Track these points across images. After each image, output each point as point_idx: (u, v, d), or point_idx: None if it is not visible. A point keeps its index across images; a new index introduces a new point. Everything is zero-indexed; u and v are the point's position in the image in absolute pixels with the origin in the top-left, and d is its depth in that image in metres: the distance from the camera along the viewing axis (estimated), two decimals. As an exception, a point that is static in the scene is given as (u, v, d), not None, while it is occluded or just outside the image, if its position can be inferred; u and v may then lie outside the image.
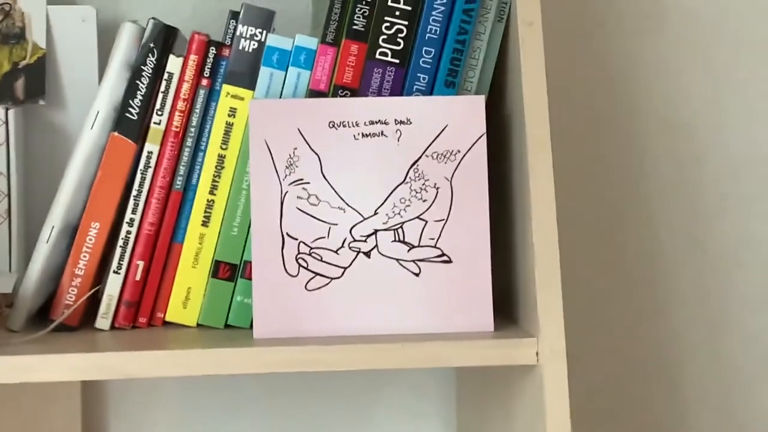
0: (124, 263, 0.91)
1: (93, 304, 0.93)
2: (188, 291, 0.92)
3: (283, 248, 0.88)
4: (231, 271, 0.92)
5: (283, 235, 0.88)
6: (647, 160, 1.20)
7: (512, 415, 0.94)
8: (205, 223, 0.92)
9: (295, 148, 0.89)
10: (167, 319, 0.93)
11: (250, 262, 0.91)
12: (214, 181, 0.92)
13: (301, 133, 0.89)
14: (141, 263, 0.92)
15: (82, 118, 1.08)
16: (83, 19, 1.09)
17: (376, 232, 0.89)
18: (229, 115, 0.92)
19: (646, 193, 1.20)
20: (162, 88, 0.91)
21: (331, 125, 0.89)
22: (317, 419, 1.19)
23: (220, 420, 1.18)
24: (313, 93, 0.92)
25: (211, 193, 0.92)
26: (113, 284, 0.91)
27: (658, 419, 1.21)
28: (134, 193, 0.91)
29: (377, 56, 0.91)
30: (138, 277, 0.92)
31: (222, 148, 0.92)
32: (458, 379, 1.19)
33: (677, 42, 1.20)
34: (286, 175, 0.89)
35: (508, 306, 0.94)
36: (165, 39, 0.91)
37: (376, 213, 0.89)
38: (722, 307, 1.21)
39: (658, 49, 1.20)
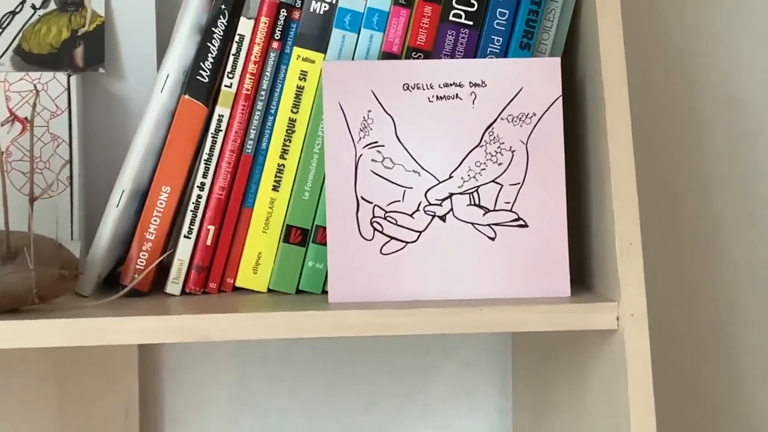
0: (195, 228, 0.90)
1: (162, 269, 0.91)
2: (259, 256, 0.91)
3: (357, 212, 0.86)
4: (302, 235, 0.90)
5: (357, 199, 0.86)
6: (704, 135, 1.19)
7: (585, 384, 0.92)
8: (275, 188, 0.90)
9: (369, 111, 0.87)
10: (237, 284, 0.91)
11: (322, 227, 0.90)
12: (284, 145, 0.90)
13: (375, 96, 0.87)
14: (212, 228, 0.90)
15: (140, 87, 1.08)
16: (141, -13, 1.08)
17: (451, 195, 0.87)
18: (300, 79, 0.90)
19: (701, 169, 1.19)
20: (233, 51, 0.89)
21: (405, 87, 0.87)
22: (371, 389, 1.19)
23: (273, 390, 1.18)
24: (386, 55, 0.90)
25: (282, 157, 0.90)
26: (184, 249, 0.89)
27: (713, 391, 1.20)
28: (205, 156, 0.90)
29: (451, 18, 0.89)
30: (209, 242, 0.90)
31: (293, 112, 0.90)
32: (514, 353, 1.17)
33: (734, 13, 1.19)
34: (360, 138, 0.87)
35: (581, 273, 0.92)
36: (236, 1, 0.89)
37: (451, 176, 0.87)
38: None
39: (714, 20, 1.18)
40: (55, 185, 1.00)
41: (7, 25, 1.05)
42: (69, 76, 1.00)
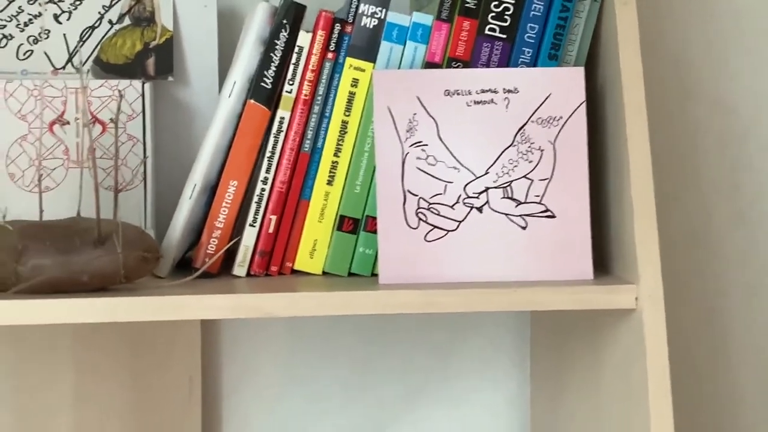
0: (259, 217, 0.94)
1: (229, 254, 0.96)
2: (315, 243, 0.95)
3: (404, 204, 0.91)
4: (354, 224, 0.95)
5: (404, 192, 0.91)
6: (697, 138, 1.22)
7: (601, 361, 0.96)
8: (330, 182, 0.95)
9: (415, 114, 0.91)
10: (296, 267, 0.95)
11: (371, 217, 0.94)
12: (338, 144, 0.95)
13: (419, 100, 0.91)
14: (273, 217, 0.94)
15: (203, 93, 1.13)
16: (205, 5, 1.12)
17: (487, 189, 0.91)
18: (351, 86, 0.94)
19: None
20: (293, 60, 0.94)
21: (446, 93, 0.91)
22: (401, 363, 1.21)
23: (317, 362, 1.21)
24: (429, 65, 0.94)
25: (335, 155, 0.95)
26: (249, 236, 0.94)
27: (704, 375, 1.23)
28: (267, 154, 0.94)
29: (486, 32, 0.94)
30: (271, 230, 0.94)
31: (345, 115, 0.95)
32: (533, 331, 1.21)
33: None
34: (406, 138, 0.91)
35: (602, 259, 0.96)
36: (295, 16, 0.94)
37: (487, 172, 0.91)
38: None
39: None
40: (132, 180, 1.05)
41: (87, 38, 1.09)
42: (143, 83, 1.05)
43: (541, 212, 0.91)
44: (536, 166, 0.91)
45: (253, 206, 0.94)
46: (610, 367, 0.95)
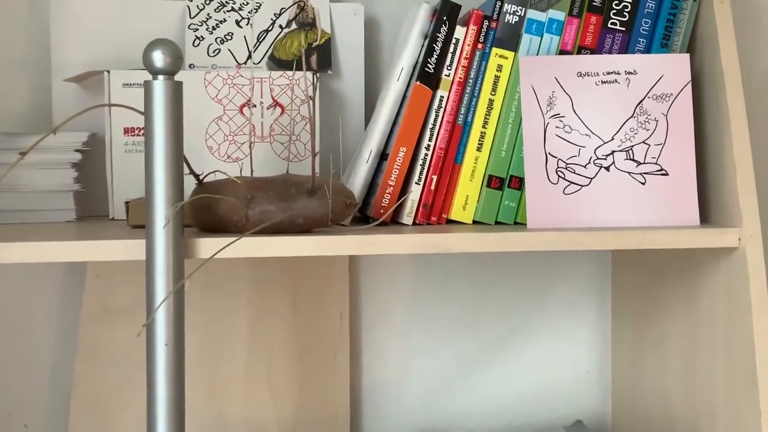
0: (423, 177, 0.90)
1: (397, 207, 0.91)
2: (466, 198, 0.90)
3: (546, 164, 0.86)
4: (500, 182, 0.90)
5: (546, 155, 0.87)
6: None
7: (700, 293, 0.91)
8: (479, 148, 0.90)
9: (553, 91, 0.87)
10: (451, 218, 0.91)
11: (515, 176, 0.90)
12: (485, 117, 0.90)
13: (557, 81, 0.87)
14: (434, 177, 0.90)
15: (351, 84, 1.08)
16: (354, 12, 1.08)
17: (613, 152, 0.87)
18: (497, 71, 0.90)
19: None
20: (450, 50, 0.89)
21: (578, 75, 0.87)
22: (505, 304, 1.17)
23: (437, 302, 1.16)
24: (562, 52, 0.90)
25: (483, 126, 0.90)
26: (415, 192, 0.89)
27: None
28: (430, 126, 0.89)
29: (609, 25, 0.89)
30: (432, 187, 0.90)
31: (491, 95, 0.90)
32: (614, 277, 1.15)
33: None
34: (547, 111, 0.87)
35: (704, 209, 0.91)
36: (453, 13, 0.89)
37: (612, 138, 0.87)
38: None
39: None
40: (304, 152, 1.00)
41: (263, 39, 1.05)
42: (314, 74, 1.00)
43: (657, 171, 0.87)
44: (652, 133, 0.87)
45: (418, 168, 0.89)
46: (708, 296, 0.90)
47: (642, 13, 0.89)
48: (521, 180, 0.89)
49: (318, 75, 1.00)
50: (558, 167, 0.86)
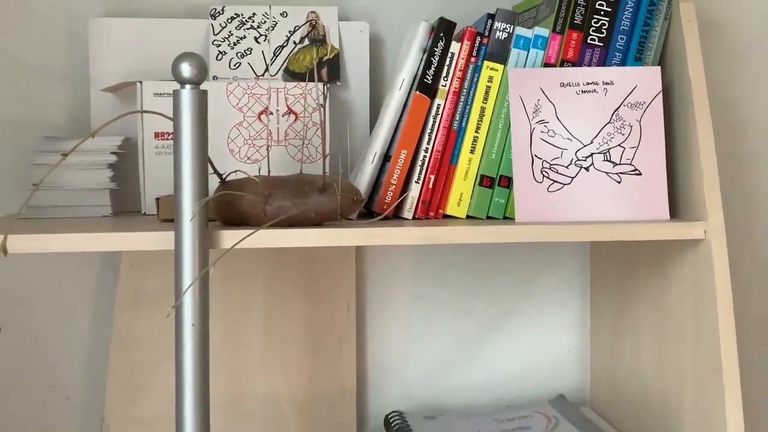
0: (422, 176, 0.95)
1: (398, 203, 0.96)
2: (461, 195, 0.96)
3: (532, 165, 0.92)
4: (491, 181, 0.96)
5: (532, 156, 0.92)
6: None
7: (668, 282, 0.97)
8: (472, 151, 0.96)
9: (539, 99, 0.93)
10: (446, 213, 0.96)
11: (504, 176, 0.95)
12: (478, 123, 0.96)
13: (542, 90, 0.93)
14: (432, 176, 0.95)
15: (358, 94, 1.14)
16: (360, 30, 1.14)
17: (592, 154, 0.92)
18: (488, 81, 0.96)
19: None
20: (446, 63, 0.95)
21: (561, 85, 0.93)
22: (496, 292, 1.22)
23: (435, 291, 1.21)
24: (546, 65, 0.95)
25: (476, 131, 0.96)
26: (415, 190, 0.95)
27: None
28: (428, 131, 0.95)
29: (588, 41, 0.95)
30: (430, 186, 0.95)
31: (483, 103, 0.96)
32: (592, 267, 1.21)
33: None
34: (533, 117, 0.93)
35: (673, 205, 0.96)
36: (448, 30, 0.95)
37: (591, 142, 0.92)
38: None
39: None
40: (316, 155, 1.06)
41: (279, 54, 1.11)
42: (324, 85, 1.07)
43: (631, 171, 0.92)
44: (627, 137, 0.92)
45: (417, 168, 0.95)
46: (676, 286, 0.95)
47: (618, 30, 0.95)
48: (510, 179, 0.95)
49: (328, 86, 1.07)
50: (543, 168, 0.92)
